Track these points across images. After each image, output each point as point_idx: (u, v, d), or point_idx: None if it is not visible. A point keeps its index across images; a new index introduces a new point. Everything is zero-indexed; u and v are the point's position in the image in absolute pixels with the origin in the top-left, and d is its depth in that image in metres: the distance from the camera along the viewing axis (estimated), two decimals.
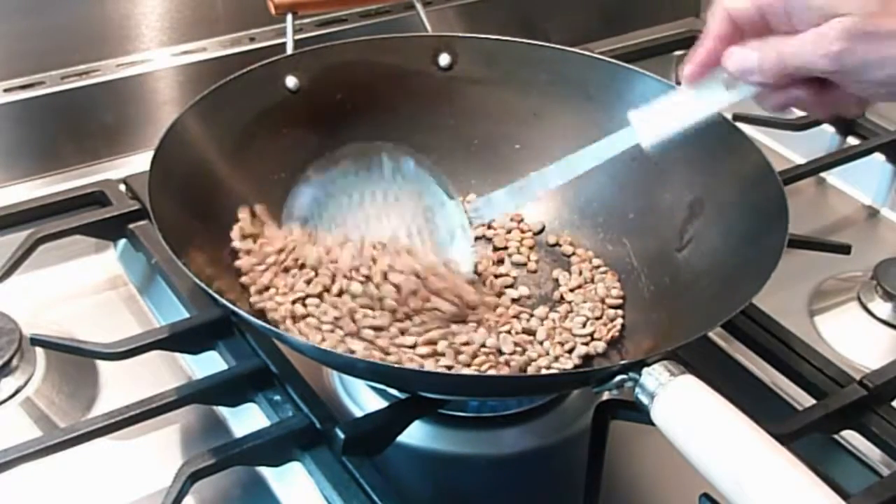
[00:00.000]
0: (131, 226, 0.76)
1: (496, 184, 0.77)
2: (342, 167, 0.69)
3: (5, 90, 0.82)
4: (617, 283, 0.71)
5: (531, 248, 0.75)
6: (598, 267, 0.73)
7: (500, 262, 0.74)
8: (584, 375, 0.59)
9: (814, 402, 0.64)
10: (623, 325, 0.69)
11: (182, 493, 0.55)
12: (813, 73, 0.52)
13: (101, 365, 0.68)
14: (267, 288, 0.65)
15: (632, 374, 0.52)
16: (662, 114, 0.60)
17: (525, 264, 0.74)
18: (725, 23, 0.56)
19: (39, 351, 0.68)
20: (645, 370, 0.51)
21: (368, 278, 0.65)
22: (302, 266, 0.66)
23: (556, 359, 0.65)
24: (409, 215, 0.69)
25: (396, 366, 0.61)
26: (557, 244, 0.76)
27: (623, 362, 0.53)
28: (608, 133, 0.75)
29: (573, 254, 0.74)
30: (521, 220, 0.77)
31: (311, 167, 0.69)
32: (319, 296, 0.65)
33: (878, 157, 0.90)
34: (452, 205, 0.69)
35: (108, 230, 0.76)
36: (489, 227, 0.76)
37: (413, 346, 0.63)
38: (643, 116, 0.61)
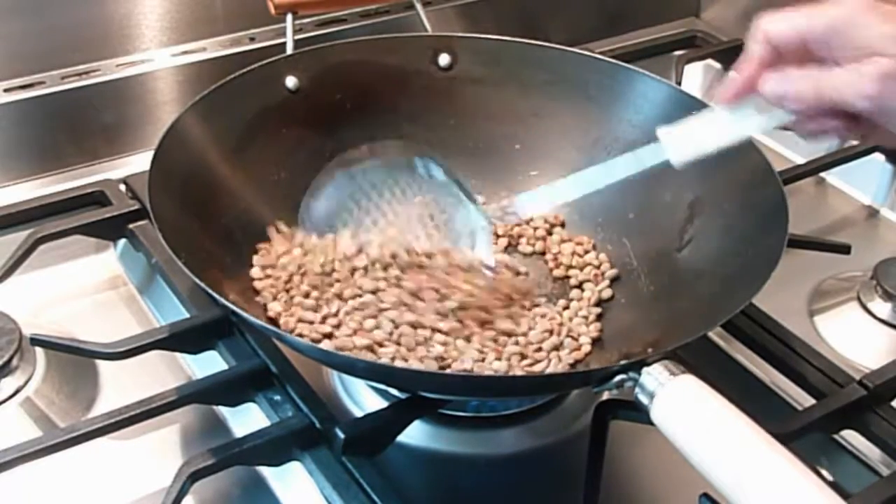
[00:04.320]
0: (131, 226, 0.76)
1: (496, 183, 0.78)
2: (369, 165, 0.68)
3: (5, 90, 0.82)
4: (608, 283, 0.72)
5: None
6: (598, 266, 0.73)
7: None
8: (584, 375, 0.59)
9: (814, 402, 0.64)
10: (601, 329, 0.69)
11: (182, 493, 0.55)
12: (849, 110, 0.52)
13: (101, 365, 0.68)
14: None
15: (632, 374, 0.52)
16: (692, 133, 0.59)
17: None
18: (765, 47, 0.55)
19: (39, 351, 0.68)
20: (645, 370, 0.51)
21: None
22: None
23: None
24: (430, 216, 0.69)
25: (396, 366, 0.61)
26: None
27: (623, 362, 0.53)
28: (608, 133, 0.75)
29: (573, 253, 0.75)
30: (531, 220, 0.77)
31: (335, 161, 0.68)
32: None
33: (878, 157, 0.90)
34: (473, 207, 0.68)
35: (108, 230, 0.76)
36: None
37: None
38: (672, 134, 0.60)
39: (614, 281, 0.72)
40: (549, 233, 0.76)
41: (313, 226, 0.67)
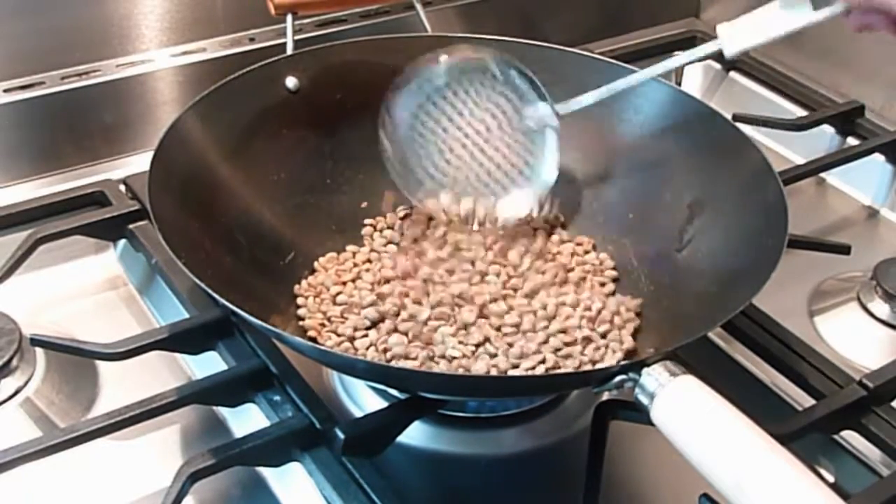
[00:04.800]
0: (131, 226, 0.76)
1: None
2: (444, 66, 0.71)
3: (5, 90, 0.82)
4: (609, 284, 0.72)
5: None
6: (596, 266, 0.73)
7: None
8: (584, 375, 0.59)
9: (814, 402, 0.64)
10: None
11: (182, 493, 0.55)
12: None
13: (101, 365, 0.68)
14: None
15: (632, 375, 0.52)
16: (749, 26, 0.63)
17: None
18: None
19: (39, 351, 0.68)
20: (645, 370, 0.51)
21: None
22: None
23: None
24: (503, 115, 0.71)
25: (396, 366, 0.61)
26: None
27: (623, 362, 0.53)
28: (607, 132, 0.75)
29: (573, 253, 0.74)
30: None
31: (408, 67, 0.71)
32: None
33: (878, 158, 0.90)
34: (543, 105, 0.70)
35: (108, 230, 0.76)
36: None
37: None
38: (730, 28, 0.64)
39: (615, 281, 0.72)
40: (550, 233, 0.76)
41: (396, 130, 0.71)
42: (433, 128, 0.71)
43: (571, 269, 0.73)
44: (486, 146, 0.72)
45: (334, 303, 0.69)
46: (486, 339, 0.65)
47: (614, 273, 0.72)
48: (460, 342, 0.65)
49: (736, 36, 0.64)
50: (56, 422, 0.65)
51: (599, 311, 0.68)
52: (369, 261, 0.72)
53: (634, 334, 0.68)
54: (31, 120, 0.83)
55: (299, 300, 0.69)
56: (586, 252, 0.74)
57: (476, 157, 0.72)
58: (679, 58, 0.68)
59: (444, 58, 0.71)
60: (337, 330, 0.66)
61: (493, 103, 0.71)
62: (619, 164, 0.75)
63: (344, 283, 0.70)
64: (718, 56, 1.01)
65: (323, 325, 0.67)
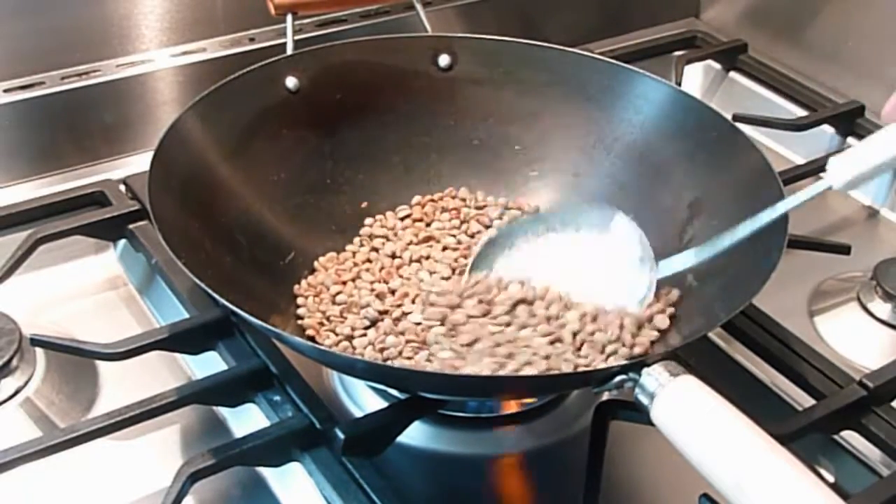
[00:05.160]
0: (131, 226, 0.76)
1: (496, 184, 0.78)
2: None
3: (5, 90, 0.82)
4: None
5: None
6: None
7: None
8: (584, 375, 0.59)
9: (814, 402, 0.64)
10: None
11: (182, 494, 0.55)
12: None
13: (101, 365, 0.68)
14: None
15: (632, 375, 0.52)
16: (860, 157, 0.60)
17: None
18: None
19: (39, 351, 0.68)
20: (645, 370, 0.51)
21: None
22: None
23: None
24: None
25: (396, 366, 0.61)
26: None
27: (623, 362, 0.53)
28: (608, 133, 0.75)
29: None
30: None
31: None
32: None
33: None
34: (647, 266, 0.66)
35: (108, 230, 0.76)
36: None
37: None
38: (838, 161, 0.60)
39: None
40: None
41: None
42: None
43: None
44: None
45: (333, 302, 0.69)
46: (477, 340, 0.65)
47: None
48: (452, 345, 0.64)
49: (845, 167, 0.60)
50: (56, 422, 0.65)
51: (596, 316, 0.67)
52: (369, 260, 0.72)
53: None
54: (31, 120, 0.83)
55: (299, 300, 0.69)
56: None
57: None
58: (793, 199, 0.61)
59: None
60: (335, 329, 0.66)
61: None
62: (618, 164, 0.75)
63: (344, 283, 0.70)
64: (718, 56, 1.03)
65: (322, 324, 0.67)
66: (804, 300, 0.78)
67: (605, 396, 0.65)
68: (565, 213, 0.70)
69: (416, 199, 0.76)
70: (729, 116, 0.78)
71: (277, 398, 0.62)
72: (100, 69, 0.86)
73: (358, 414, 0.65)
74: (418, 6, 0.86)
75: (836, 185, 0.60)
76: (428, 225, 0.75)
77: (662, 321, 0.64)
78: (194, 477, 0.55)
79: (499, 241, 0.69)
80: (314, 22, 0.93)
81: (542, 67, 0.77)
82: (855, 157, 0.60)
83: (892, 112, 0.58)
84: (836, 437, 0.65)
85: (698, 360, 0.60)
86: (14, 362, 0.66)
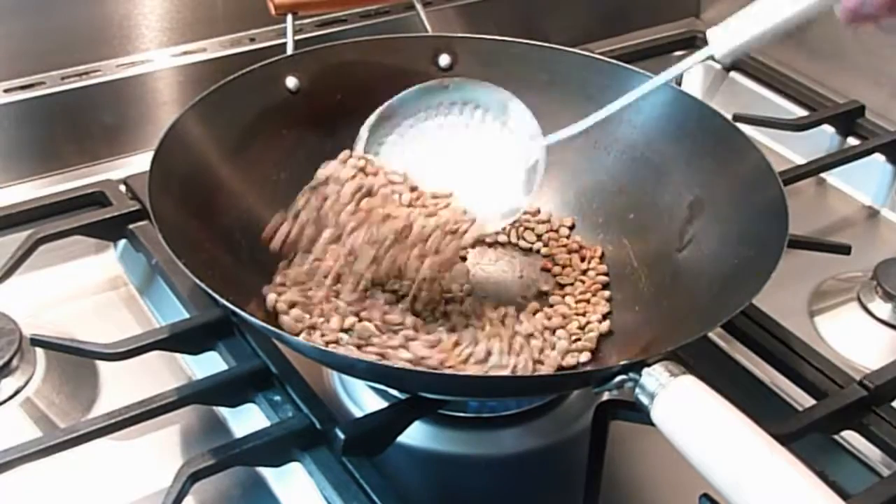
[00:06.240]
0: (131, 226, 0.76)
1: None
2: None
3: (5, 90, 0.82)
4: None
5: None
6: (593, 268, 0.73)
7: (546, 269, 0.74)
8: (584, 375, 0.59)
9: (814, 402, 0.64)
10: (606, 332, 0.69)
11: (182, 494, 0.55)
12: None
13: (101, 365, 0.68)
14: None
15: (632, 375, 0.52)
16: (740, 21, 0.61)
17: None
18: None
19: (39, 351, 0.68)
20: (645, 370, 0.51)
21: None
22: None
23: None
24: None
25: (396, 366, 0.61)
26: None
27: (623, 362, 0.53)
28: (608, 133, 0.75)
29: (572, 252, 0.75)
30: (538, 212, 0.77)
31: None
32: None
33: (878, 158, 0.90)
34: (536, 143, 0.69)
35: (108, 230, 0.76)
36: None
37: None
38: (719, 30, 0.62)
39: (614, 282, 0.72)
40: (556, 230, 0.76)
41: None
42: (420, 140, 0.71)
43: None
44: (467, 164, 0.71)
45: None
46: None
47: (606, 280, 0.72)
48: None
49: (725, 37, 0.61)
50: (56, 422, 0.65)
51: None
52: None
53: (633, 334, 0.67)
54: (31, 120, 0.83)
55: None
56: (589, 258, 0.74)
57: (456, 172, 0.71)
58: (670, 70, 0.65)
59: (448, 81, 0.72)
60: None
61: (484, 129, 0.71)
62: (619, 164, 0.75)
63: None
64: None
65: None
66: (804, 300, 0.78)
67: (605, 396, 0.65)
68: (459, 89, 0.72)
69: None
70: (729, 116, 0.78)
71: (277, 398, 0.62)
72: (100, 69, 0.86)
73: (358, 414, 0.65)
74: (418, 6, 0.86)
75: (717, 55, 0.61)
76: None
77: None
78: (194, 477, 0.55)
79: (388, 119, 0.71)
80: (314, 22, 0.93)
81: (542, 67, 0.77)
82: (736, 26, 0.60)
83: None
84: (836, 437, 0.65)
85: (698, 360, 0.60)
86: (14, 362, 0.66)
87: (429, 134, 0.71)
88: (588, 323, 0.69)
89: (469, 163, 0.71)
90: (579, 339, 0.67)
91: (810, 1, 0.59)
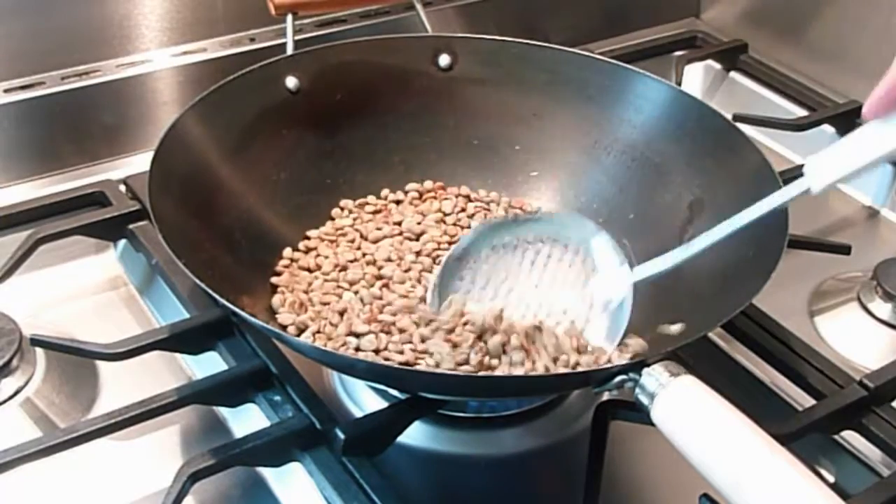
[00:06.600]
0: (131, 226, 0.76)
1: (496, 184, 0.78)
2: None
3: (5, 90, 0.82)
4: None
5: None
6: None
7: None
8: (584, 375, 0.59)
9: (814, 402, 0.64)
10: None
11: (182, 494, 0.55)
12: None
13: (101, 365, 0.68)
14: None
15: (632, 375, 0.52)
16: (838, 155, 0.56)
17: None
18: None
19: (39, 351, 0.68)
20: (645, 370, 0.51)
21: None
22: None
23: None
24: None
25: (396, 366, 0.61)
26: None
27: (623, 362, 0.53)
28: (608, 133, 0.75)
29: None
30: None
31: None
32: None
33: None
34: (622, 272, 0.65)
35: (108, 230, 0.76)
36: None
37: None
38: (819, 159, 0.56)
39: None
40: None
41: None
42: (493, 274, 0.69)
43: None
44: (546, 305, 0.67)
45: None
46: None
47: None
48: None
49: (823, 167, 0.56)
50: (56, 422, 0.65)
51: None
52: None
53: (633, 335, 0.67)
54: (31, 120, 0.83)
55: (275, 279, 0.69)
56: None
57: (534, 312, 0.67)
58: (765, 202, 0.59)
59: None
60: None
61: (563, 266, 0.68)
62: (619, 164, 0.75)
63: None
64: (718, 56, 1.03)
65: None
66: (804, 300, 0.78)
67: (605, 396, 0.65)
68: (541, 222, 0.69)
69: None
70: (729, 116, 0.78)
71: (277, 398, 0.62)
72: (100, 69, 0.86)
73: (358, 414, 0.65)
74: (418, 6, 0.86)
75: (814, 190, 0.56)
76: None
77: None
78: (194, 477, 0.55)
79: (465, 254, 0.68)
80: (314, 22, 0.93)
81: (542, 67, 0.77)
82: (835, 158, 0.56)
83: (874, 108, 0.55)
84: (836, 437, 0.65)
85: (698, 360, 0.60)
86: (14, 362, 0.66)
87: (502, 272, 0.68)
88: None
89: (548, 304, 0.67)
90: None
91: None
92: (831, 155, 0.56)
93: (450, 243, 0.73)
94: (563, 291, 0.67)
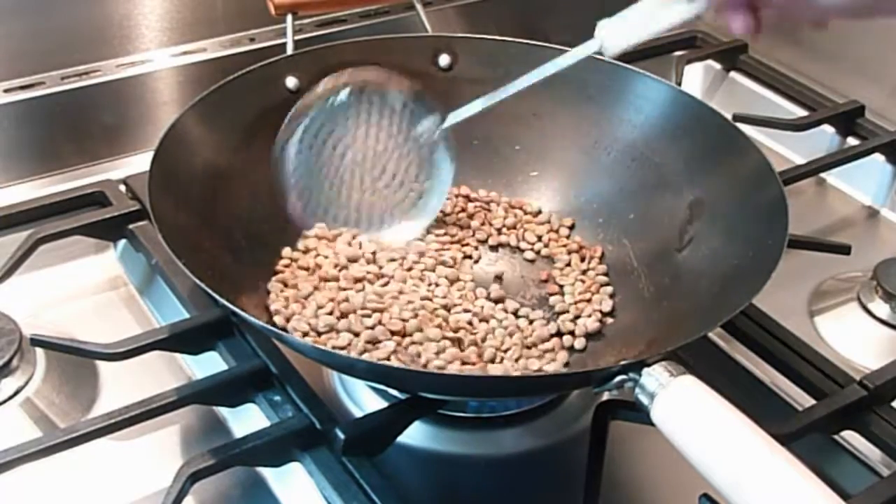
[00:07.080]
0: (131, 226, 0.76)
1: (496, 183, 0.78)
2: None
3: (5, 90, 0.82)
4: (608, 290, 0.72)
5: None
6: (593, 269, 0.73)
7: (545, 281, 0.73)
8: (584, 375, 0.59)
9: (814, 402, 0.64)
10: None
11: (182, 494, 0.55)
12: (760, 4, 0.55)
13: (101, 365, 0.68)
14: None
15: (632, 375, 0.52)
16: (627, 24, 0.62)
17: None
18: None
19: (39, 351, 0.68)
20: (645, 370, 0.51)
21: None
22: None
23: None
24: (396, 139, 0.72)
25: (396, 366, 0.61)
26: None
27: (623, 362, 0.53)
28: (608, 133, 0.75)
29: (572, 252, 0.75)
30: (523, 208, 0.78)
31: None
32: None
33: (878, 158, 0.90)
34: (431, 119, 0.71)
35: (108, 230, 0.76)
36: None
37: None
38: (607, 26, 0.63)
39: (614, 282, 0.72)
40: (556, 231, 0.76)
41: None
42: (325, 157, 0.72)
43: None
44: (377, 172, 0.73)
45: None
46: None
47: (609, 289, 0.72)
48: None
49: (614, 35, 0.62)
50: (56, 422, 0.65)
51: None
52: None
53: (633, 334, 0.67)
54: (31, 120, 0.83)
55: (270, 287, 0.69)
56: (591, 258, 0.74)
57: (367, 186, 0.73)
58: (557, 61, 0.67)
59: (343, 81, 0.72)
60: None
61: (387, 128, 0.73)
62: (618, 164, 0.75)
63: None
64: (718, 55, 1.03)
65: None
66: (804, 300, 0.78)
67: (605, 396, 0.65)
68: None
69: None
70: (729, 116, 0.78)
71: (277, 398, 0.62)
72: (100, 69, 0.86)
73: (358, 414, 0.65)
74: (418, 6, 0.86)
75: (607, 54, 0.63)
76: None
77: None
78: (194, 477, 0.55)
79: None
80: (314, 22, 0.93)
81: None
82: (629, 24, 0.61)
83: None
84: (836, 437, 0.65)
85: (698, 360, 0.60)
86: (14, 362, 0.66)
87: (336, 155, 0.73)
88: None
89: (374, 162, 0.73)
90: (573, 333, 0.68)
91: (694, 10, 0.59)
92: (625, 20, 0.62)
93: (450, 243, 0.73)
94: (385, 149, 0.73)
